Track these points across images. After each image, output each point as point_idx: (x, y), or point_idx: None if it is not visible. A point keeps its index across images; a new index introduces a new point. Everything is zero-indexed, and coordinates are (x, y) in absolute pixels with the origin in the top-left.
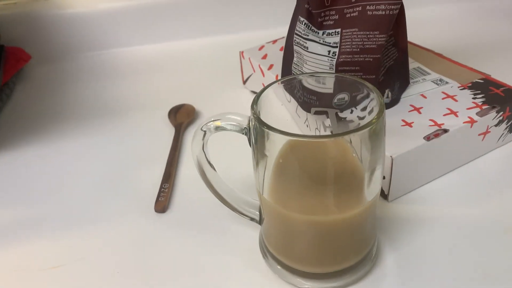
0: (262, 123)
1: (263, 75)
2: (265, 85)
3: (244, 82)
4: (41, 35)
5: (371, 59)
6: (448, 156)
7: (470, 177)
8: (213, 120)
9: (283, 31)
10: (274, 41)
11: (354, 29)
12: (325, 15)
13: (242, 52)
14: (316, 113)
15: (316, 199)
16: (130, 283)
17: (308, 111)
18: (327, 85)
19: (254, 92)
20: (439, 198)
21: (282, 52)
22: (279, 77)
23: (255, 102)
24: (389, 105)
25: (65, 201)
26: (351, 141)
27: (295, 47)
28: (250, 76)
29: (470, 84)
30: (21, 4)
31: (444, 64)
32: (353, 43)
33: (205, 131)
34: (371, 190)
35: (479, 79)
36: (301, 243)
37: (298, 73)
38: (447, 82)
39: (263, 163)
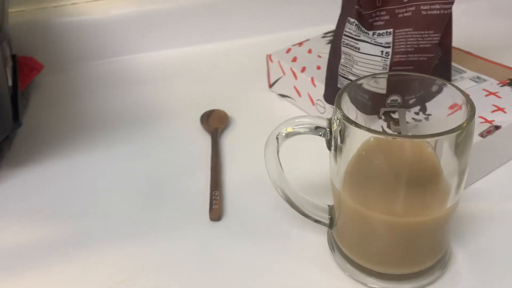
0: (352, 122)
1: (296, 78)
2: (298, 88)
3: (271, 85)
4: (52, 43)
5: (425, 58)
6: (498, 152)
7: None
8: (285, 127)
9: (305, 33)
10: (300, 44)
11: (408, 29)
12: (376, 15)
13: (270, 55)
14: (385, 113)
15: (399, 200)
16: None
17: (374, 113)
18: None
19: (282, 96)
20: (495, 193)
21: (311, 54)
22: (315, 81)
23: (340, 99)
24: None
25: (109, 216)
26: (435, 145)
27: (343, 49)
28: (278, 79)
29: (508, 81)
30: (30, 11)
31: (477, 62)
32: (408, 43)
33: (279, 138)
34: (455, 195)
35: None
36: (379, 243)
37: (345, 74)
38: (485, 80)
39: (344, 163)
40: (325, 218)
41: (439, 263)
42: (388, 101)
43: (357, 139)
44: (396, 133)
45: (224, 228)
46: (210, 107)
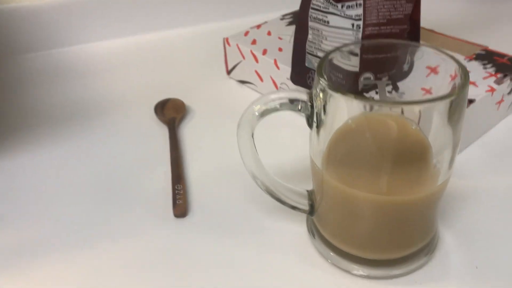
0: (338, 90)
1: (257, 61)
2: (259, 72)
3: (229, 72)
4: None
5: (398, 31)
6: (470, 127)
7: (493, 146)
8: (261, 103)
9: (263, 18)
10: (258, 26)
11: None
12: None
13: (227, 38)
14: (365, 87)
15: (387, 178)
16: None
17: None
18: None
19: (242, 82)
20: (473, 170)
21: (271, 36)
22: (278, 63)
23: (321, 68)
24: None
25: (63, 218)
26: (423, 116)
27: (310, 24)
28: (237, 64)
29: (474, 56)
30: None
31: (440, 39)
32: (379, 14)
33: (256, 115)
34: (448, 170)
35: (480, 51)
36: (364, 226)
37: (314, 51)
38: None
39: (327, 139)
40: (305, 205)
41: (428, 246)
42: (361, 79)
43: (341, 110)
44: (387, 100)
45: (191, 224)
46: (165, 97)
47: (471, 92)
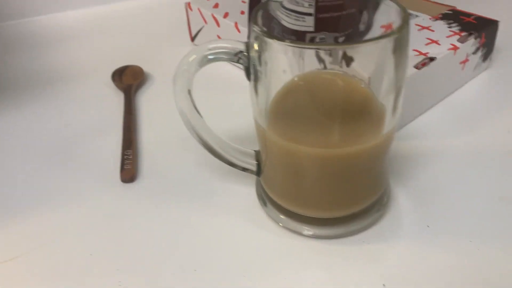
0: (272, 36)
1: (218, 25)
2: (221, 37)
3: (193, 38)
4: None
5: None
6: (433, 87)
7: (456, 107)
8: (197, 53)
9: None
10: None
11: None
12: None
13: (189, 3)
14: (311, 40)
15: (330, 130)
16: (111, 264)
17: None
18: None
19: None
20: (433, 131)
21: None
22: (239, 25)
23: (256, 15)
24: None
25: (11, 181)
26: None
27: None
28: (200, 29)
29: (441, 16)
30: None
31: (404, 0)
32: None
33: (192, 66)
34: (392, 118)
35: (447, 11)
36: (310, 184)
37: None
38: (417, 16)
39: (266, 93)
40: (253, 165)
41: (378, 204)
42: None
43: (277, 60)
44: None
45: (139, 189)
46: (126, 65)
47: (433, 51)
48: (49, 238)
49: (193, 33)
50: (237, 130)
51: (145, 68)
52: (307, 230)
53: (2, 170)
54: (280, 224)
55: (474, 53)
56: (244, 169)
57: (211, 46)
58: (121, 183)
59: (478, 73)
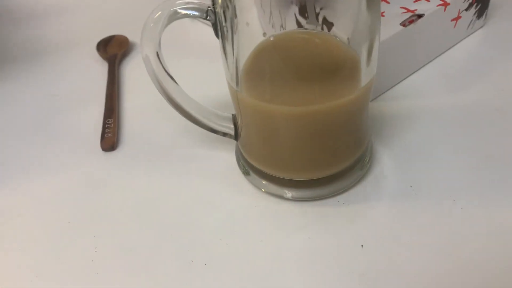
0: None
1: None
2: None
3: None
4: None
5: None
6: (423, 46)
7: (447, 67)
8: (163, 9)
9: None
10: None
11: None
12: None
13: None
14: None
15: (303, 88)
16: (88, 231)
17: None
18: None
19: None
20: (422, 91)
21: None
22: None
23: None
24: None
25: None
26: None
27: None
28: None
29: None
30: None
31: None
32: None
33: (158, 24)
34: (367, 68)
35: None
36: (288, 145)
37: None
38: None
39: (236, 51)
40: (231, 129)
41: (359, 163)
42: None
43: (243, 11)
44: None
45: (119, 157)
46: (109, 34)
47: (422, 7)
48: (28, 206)
49: None
50: (213, 95)
51: (131, 37)
52: (288, 193)
53: None
54: (263, 190)
55: (467, 9)
56: (224, 134)
57: (179, 1)
58: (102, 151)
59: (473, 31)
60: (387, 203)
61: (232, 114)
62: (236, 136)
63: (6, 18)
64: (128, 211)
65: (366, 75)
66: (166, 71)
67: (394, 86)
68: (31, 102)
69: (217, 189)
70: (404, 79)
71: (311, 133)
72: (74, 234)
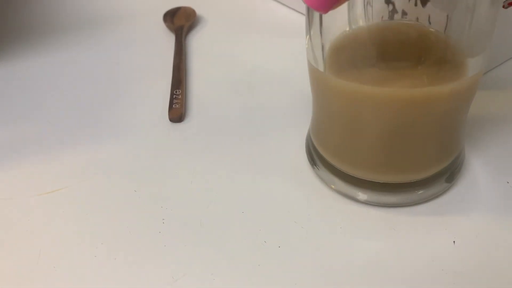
0: None
1: None
2: None
3: None
4: None
5: None
6: None
7: None
8: None
9: None
10: None
11: None
12: None
13: None
14: None
15: (396, 72)
16: (155, 202)
17: None
18: None
19: None
20: None
21: None
22: None
23: None
24: None
25: (62, 118)
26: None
27: None
28: None
29: None
30: None
31: None
32: None
33: None
34: (471, 64)
35: None
36: (373, 138)
37: None
38: None
39: (321, 34)
40: None
41: (450, 169)
42: None
43: None
44: None
45: (186, 129)
46: (176, 5)
47: None
48: (94, 172)
49: None
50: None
51: (198, 10)
52: (363, 196)
53: (54, 106)
54: (333, 186)
55: None
56: None
57: None
58: (169, 122)
59: None
60: (482, 213)
61: None
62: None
63: None
64: (194, 185)
65: (471, 67)
66: None
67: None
68: (99, 70)
69: (284, 183)
70: (496, 66)
71: (399, 125)
72: (141, 204)
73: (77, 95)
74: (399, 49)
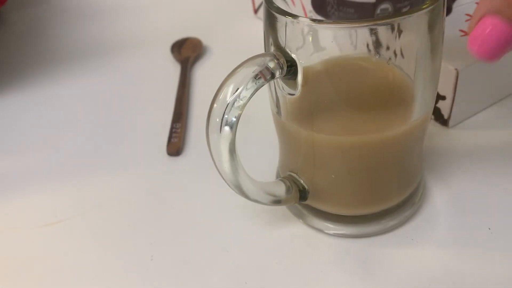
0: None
1: None
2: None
3: (256, 11)
4: None
5: None
6: (503, 77)
7: None
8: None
9: None
10: None
11: None
12: None
13: None
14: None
15: (349, 116)
16: (146, 237)
17: None
18: None
19: None
20: (503, 124)
21: None
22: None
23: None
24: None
25: (62, 149)
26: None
27: None
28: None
29: None
30: None
31: None
32: None
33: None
34: (422, 105)
35: None
36: (332, 177)
37: None
38: None
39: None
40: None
41: (409, 200)
42: (378, 11)
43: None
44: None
45: (183, 163)
46: (184, 36)
47: None
48: (90, 204)
49: (257, 5)
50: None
51: (205, 40)
52: (330, 228)
53: (55, 136)
54: (301, 220)
55: None
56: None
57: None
58: (167, 155)
59: None
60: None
61: (281, 179)
62: (303, 196)
63: (81, 15)
64: (186, 221)
65: (422, 106)
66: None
67: (475, 114)
68: (102, 100)
69: (257, 212)
70: (487, 107)
71: (361, 164)
72: (132, 239)
73: (80, 126)
74: (352, 92)
